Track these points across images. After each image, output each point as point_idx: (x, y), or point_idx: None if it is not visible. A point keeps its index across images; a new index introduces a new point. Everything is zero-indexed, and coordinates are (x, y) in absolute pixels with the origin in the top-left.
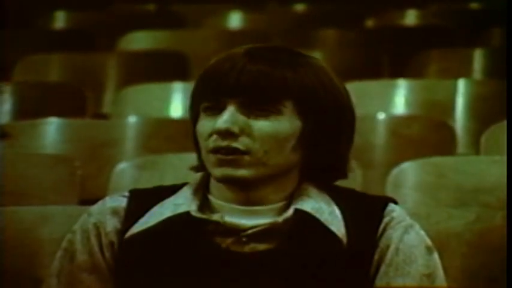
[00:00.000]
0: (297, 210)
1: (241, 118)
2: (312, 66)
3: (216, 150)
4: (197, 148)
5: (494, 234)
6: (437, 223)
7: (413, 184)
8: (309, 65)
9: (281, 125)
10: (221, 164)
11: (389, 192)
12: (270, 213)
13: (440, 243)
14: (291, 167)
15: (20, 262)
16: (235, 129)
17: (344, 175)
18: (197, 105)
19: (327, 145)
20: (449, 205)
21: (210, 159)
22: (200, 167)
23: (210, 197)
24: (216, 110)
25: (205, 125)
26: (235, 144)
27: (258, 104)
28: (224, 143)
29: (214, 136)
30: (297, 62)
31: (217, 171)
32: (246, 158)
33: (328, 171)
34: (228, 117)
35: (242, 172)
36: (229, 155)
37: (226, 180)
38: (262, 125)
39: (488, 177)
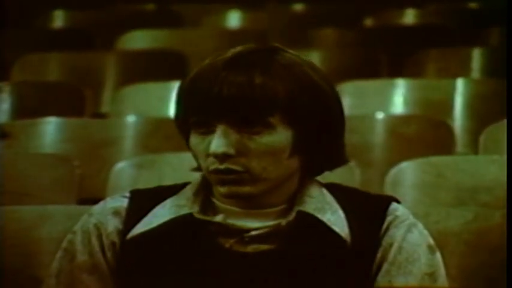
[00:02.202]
0: (299, 212)
1: (235, 138)
2: (292, 70)
3: (216, 172)
4: (194, 154)
5: (492, 233)
6: (436, 222)
7: (412, 183)
8: (289, 68)
9: (275, 139)
10: (224, 183)
11: (388, 191)
12: (273, 215)
13: (439, 243)
14: (292, 172)
15: (19, 261)
16: (231, 151)
17: (344, 161)
18: (185, 119)
19: (321, 143)
20: (447, 204)
21: (212, 178)
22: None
23: (213, 199)
24: (205, 128)
25: (199, 144)
26: (233, 167)
27: (247, 122)
28: (222, 166)
29: (212, 158)
30: (276, 69)
31: (222, 189)
32: (246, 176)
33: (328, 164)
34: (221, 140)
35: (247, 189)
36: (230, 175)
37: (232, 197)
38: (257, 144)
39: (487, 177)
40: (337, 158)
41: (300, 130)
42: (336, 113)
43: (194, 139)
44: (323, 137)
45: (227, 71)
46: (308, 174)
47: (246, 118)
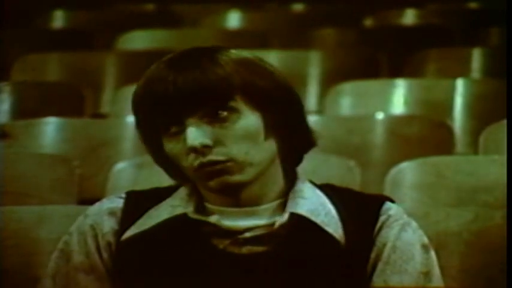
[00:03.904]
0: (292, 214)
1: (208, 129)
2: (240, 60)
3: (201, 167)
4: (167, 168)
5: (492, 233)
6: (435, 223)
7: (412, 184)
8: (237, 59)
9: (245, 122)
10: (212, 176)
11: (387, 191)
12: (265, 213)
13: (439, 243)
14: (274, 156)
15: (19, 261)
16: (208, 142)
17: (313, 144)
18: (151, 126)
19: (290, 125)
20: (447, 205)
21: (199, 175)
22: (181, 180)
23: (205, 203)
24: (176, 126)
25: (174, 146)
26: (216, 157)
27: (211, 110)
28: (206, 159)
29: (192, 155)
30: (224, 60)
31: (211, 183)
32: (231, 165)
33: (301, 147)
34: (195, 132)
35: (236, 177)
36: (215, 166)
37: (223, 189)
38: (230, 130)
39: (487, 177)
40: (308, 140)
41: (267, 112)
42: (295, 98)
43: (168, 143)
44: (290, 120)
45: (177, 68)
46: (287, 160)
47: (209, 106)
